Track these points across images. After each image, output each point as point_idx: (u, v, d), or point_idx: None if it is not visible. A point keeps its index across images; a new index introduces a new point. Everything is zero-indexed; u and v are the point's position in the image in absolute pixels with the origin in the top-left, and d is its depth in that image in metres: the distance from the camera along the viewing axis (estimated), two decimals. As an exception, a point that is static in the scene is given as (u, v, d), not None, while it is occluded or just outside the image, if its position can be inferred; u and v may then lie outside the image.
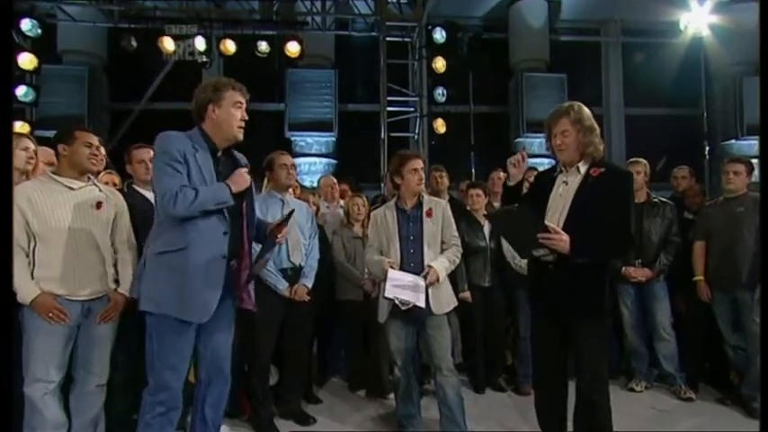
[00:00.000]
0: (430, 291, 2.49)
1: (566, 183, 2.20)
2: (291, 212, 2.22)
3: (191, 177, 1.91)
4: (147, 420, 1.91)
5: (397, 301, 2.42)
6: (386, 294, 2.41)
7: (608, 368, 2.23)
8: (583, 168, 2.17)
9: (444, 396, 2.53)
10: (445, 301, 2.57)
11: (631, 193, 2.20)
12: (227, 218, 1.97)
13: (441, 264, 2.53)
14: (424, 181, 2.65)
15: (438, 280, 2.49)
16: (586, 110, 2.19)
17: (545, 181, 2.31)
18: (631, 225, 2.12)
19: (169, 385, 1.92)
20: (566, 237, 2.04)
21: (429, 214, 2.59)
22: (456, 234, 2.67)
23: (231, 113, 2.01)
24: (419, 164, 2.59)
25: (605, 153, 2.23)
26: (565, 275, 2.11)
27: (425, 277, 2.47)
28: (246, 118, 2.06)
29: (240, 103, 2.03)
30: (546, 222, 2.10)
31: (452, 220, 2.67)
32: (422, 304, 2.42)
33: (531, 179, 2.48)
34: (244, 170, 2.02)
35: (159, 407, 1.91)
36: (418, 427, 2.70)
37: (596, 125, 2.18)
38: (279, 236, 2.15)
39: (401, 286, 2.42)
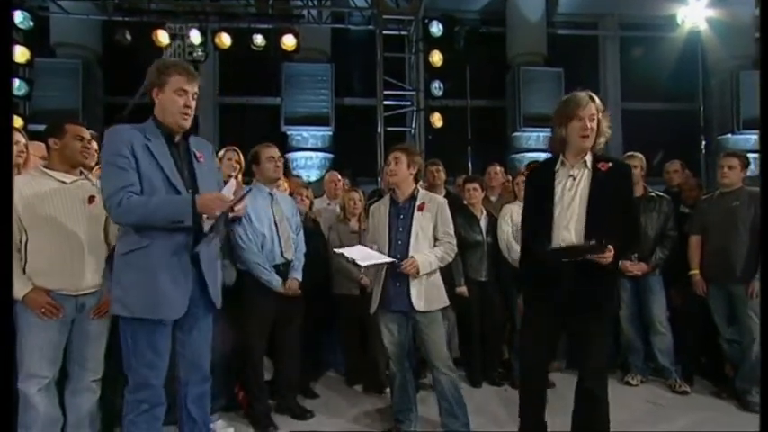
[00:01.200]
0: (415, 286, 2.48)
1: (572, 177, 2.13)
2: (248, 192, 1.99)
3: (141, 171, 1.81)
4: (132, 419, 1.87)
5: (348, 256, 2.46)
6: (344, 252, 2.48)
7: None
8: (589, 162, 2.13)
9: (442, 390, 2.54)
10: (434, 297, 2.54)
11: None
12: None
13: (425, 257, 2.48)
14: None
15: (418, 271, 2.45)
16: None
17: (544, 175, 2.24)
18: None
19: (149, 383, 1.87)
20: (611, 249, 1.94)
21: (421, 208, 2.57)
22: (451, 232, 2.61)
23: (173, 100, 1.87)
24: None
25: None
26: (579, 270, 2.03)
27: (402, 264, 2.45)
28: (191, 105, 1.90)
29: (183, 90, 1.87)
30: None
31: (449, 217, 2.62)
32: (362, 263, 2.44)
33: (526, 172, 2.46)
34: (213, 195, 1.81)
35: (143, 404, 1.87)
36: (415, 422, 2.70)
37: None
38: (237, 209, 1.92)
39: (367, 256, 2.48)
